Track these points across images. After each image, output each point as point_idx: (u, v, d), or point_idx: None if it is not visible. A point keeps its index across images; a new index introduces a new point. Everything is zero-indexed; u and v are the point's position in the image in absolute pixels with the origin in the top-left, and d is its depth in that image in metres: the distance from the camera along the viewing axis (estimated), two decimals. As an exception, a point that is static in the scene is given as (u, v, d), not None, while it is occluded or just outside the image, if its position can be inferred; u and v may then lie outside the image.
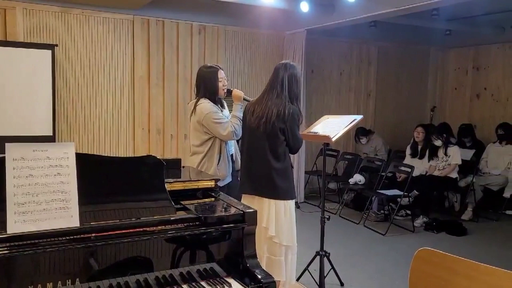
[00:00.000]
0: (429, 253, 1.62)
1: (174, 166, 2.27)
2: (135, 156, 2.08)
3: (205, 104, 3.13)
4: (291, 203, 2.90)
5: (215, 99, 3.21)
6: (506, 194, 5.78)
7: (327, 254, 3.52)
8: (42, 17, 5.01)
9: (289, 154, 2.92)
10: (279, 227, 2.82)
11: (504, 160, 5.92)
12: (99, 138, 5.44)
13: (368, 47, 7.38)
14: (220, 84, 3.21)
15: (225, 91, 3.27)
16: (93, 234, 1.51)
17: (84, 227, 1.51)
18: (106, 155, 5.02)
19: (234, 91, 3.28)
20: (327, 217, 3.51)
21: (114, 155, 5.27)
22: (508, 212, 5.89)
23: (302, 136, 3.07)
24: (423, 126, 6.03)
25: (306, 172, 6.54)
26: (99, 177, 1.64)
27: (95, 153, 5.28)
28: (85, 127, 5.35)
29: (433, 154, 5.78)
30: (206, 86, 3.18)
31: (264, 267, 2.77)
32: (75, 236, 1.48)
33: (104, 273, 1.53)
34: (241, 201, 2.60)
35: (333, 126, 3.37)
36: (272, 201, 2.82)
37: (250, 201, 2.83)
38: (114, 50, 5.43)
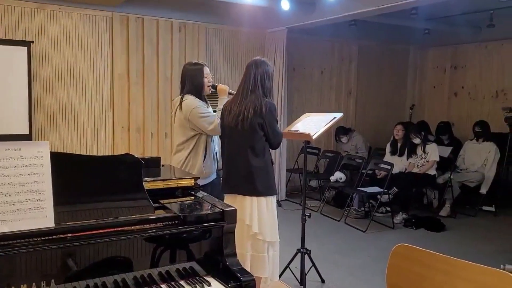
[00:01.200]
0: (406, 249, 1.64)
1: (153, 165, 2.25)
2: (112, 154, 2.05)
3: (191, 100, 3.14)
4: (273, 199, 2.92)
5: (201, 96, 3.22)
6: (483, 190, 5.91)
7: (308, 252, 3.54)
8: (18, 12, 4.89)
9: (270, 150, 2.93)
10: (262, 223, 2.83)
11: (480, 157, 6.03)
12: (78, 137, 5.34)
13: (348, 46, 7.43)
14: (206, 81, 3.23)
15: (210, 87, 3.29)
16: (69, 234, 1.48)
17: (60, 227, 1.48)
18: (83, 153, 4.94)
19: (219, 86, 3.31)
20: (308, 214, 3.54)
21: (93, 154, 5.19)
22: (485, 208, 6.00)
23: (283, 134, 3.09)
24: (402, 124, 6.11)
25: (287, 170, 6.56)
26: (75, 176, 1.61)
27: (73, 151, 5.18)
28: (63, 125, 5.25)
29: (412, 152, 5.87)
30: (192, 82, 3.19)
31: (248, 265, 2.79)
32: (50, 237, 1.45)
33: (81, 274, 1.50)
34: (224, 201, 2.59)
35: (313, 124, 3.39)
36: (254, 198, 2.83)
37: (232, 201, 2.83)
38: (93, 47, 5.34)
